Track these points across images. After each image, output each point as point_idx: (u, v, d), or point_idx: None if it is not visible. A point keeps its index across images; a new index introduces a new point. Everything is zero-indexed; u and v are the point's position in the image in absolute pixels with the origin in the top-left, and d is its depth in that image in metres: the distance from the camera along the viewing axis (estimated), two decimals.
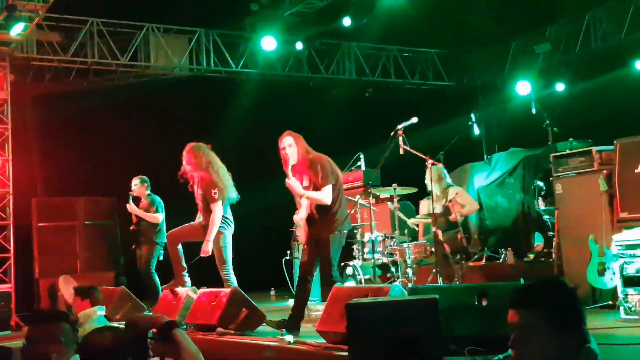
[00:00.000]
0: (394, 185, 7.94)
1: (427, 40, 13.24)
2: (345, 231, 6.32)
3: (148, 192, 9.28)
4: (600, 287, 6.53)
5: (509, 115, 12.82)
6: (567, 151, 7.47)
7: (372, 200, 7.82)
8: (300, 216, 6.48)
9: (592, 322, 2.45)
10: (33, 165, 11.32)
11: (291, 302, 9.87)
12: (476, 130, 10.59)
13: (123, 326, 3.14)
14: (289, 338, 5.23)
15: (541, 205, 9.32)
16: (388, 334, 4.07)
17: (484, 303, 4.67)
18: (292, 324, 6.03)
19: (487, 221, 10.57)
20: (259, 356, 5.37)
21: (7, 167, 10.08)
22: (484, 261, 9.29)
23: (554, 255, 7.70)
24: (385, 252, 8.17)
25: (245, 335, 6.05)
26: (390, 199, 8.39)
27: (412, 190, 8.32)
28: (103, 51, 11.15)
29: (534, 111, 9.16)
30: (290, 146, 6.28)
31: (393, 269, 8.21)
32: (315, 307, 8.20)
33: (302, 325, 6.22)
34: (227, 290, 6.44)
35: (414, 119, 7.10)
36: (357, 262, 8.08)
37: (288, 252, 10.26)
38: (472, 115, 10.17)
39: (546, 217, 9.07)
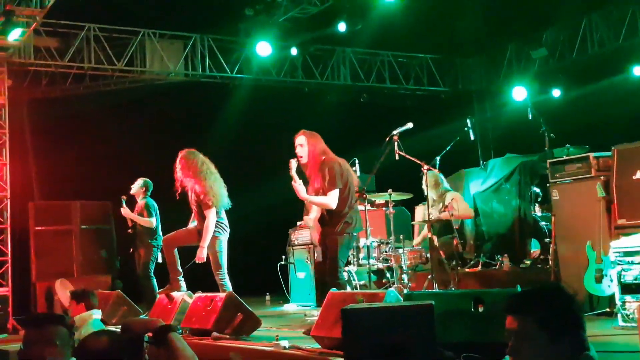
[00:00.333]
0: (389, 190, 7.94)
1: (421, 46, 13.26)
2: (355, 234, 6.37)
3: (146, 195, 9.31)
4: (598, 294, 6.50)
5: (505, 120, 12.82)
6: (564, 157, 7.45)
7: (368, 206, 7.82)
8: (311, 217, 6.55)
9: (589, 329, 2.44)
10: (30, 169, 11.34)
11: (286, 307, 9.95)
12: (472, 136, 10.60)
13: (119, 330, 3.14)
14: (284, 343, 5.22)
15: (537, 211, 9.33)
16: (383, 340, 4.07)
17: (480, 309, 4.66)
18: None
19: (483, 227, 10.57)
20: None
21: (4, 171, 10.10)
22: (479, 267, 9.29)
23: (550, 262, 7.68)
24: (381, 258, 8.18)
25: (240, 339, 6.04)
26: (386, 204, 8.40)
27: (407, 195, 8.33)
28: (99, 56, 11.20)
29: (530, 117, 9.17)
30: (302, 146, 6.36)
31: (388, 275, 8.21)
32: (311, 312, 8.20)
33: (298, 331, 6.21)
34: (222, 294, 6.43)
35: (409, 125, 7.11)
36: (352, 268, 8.08)
37: (283, 256, 10.26)
38: (468, 121, 10.18)
39: (543, 223, 9.07)
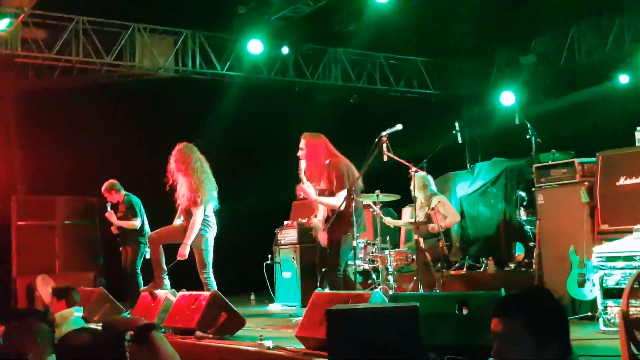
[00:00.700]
0: (377, 192, 7.93)
1: (413, 48, 13.28)
2: (358, 234, 6.42)
3: (123, 193, 9.26)
4: (580, 298, 6.56)
5: (493, 125, 12.88)
6: (550, 162, 7.51)
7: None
8: (318, 218, 6.59)
9: (571, 333, 2.45)
10: (14, 162, 11.21)
11: (271, 306, 9.91)
12: (459, 139, 10.63)
13: (100, 328, 3.11)
14: (268, 343, 5.19)
15: (523, 215, 9.38)
16: (368, 341, 4.06)
17: (465, 312, 4.67)
18: None
19: (469, 230, 10.62)
20: None
21: None
22: (464, 270, 9.32)
23: (534, 266, 7.73)
24: (367, 259, 8.18)
25: (224, 339, 6.00)
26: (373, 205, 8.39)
27: (394, 197, 8.32)
28: (88, 50, 11.06)
29: (517, 122, 9.21)
30: (302, 149, 6.41)
31: (374, 276, 8.21)
32: (296, 313, 8.17)
33: (282, 331, 6.18)
34: (206, 293, 6.39)
35: (399, 126, 7.08)
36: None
37: (269, 256, 10.23)
38: (456, 124, 10.20)
39: (527, 227, 9.12)
